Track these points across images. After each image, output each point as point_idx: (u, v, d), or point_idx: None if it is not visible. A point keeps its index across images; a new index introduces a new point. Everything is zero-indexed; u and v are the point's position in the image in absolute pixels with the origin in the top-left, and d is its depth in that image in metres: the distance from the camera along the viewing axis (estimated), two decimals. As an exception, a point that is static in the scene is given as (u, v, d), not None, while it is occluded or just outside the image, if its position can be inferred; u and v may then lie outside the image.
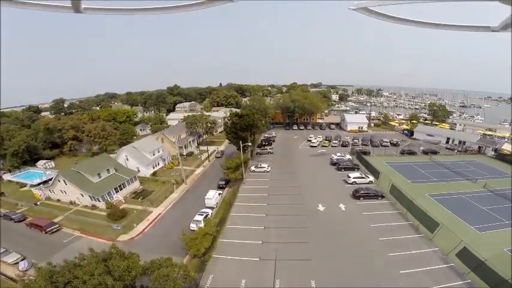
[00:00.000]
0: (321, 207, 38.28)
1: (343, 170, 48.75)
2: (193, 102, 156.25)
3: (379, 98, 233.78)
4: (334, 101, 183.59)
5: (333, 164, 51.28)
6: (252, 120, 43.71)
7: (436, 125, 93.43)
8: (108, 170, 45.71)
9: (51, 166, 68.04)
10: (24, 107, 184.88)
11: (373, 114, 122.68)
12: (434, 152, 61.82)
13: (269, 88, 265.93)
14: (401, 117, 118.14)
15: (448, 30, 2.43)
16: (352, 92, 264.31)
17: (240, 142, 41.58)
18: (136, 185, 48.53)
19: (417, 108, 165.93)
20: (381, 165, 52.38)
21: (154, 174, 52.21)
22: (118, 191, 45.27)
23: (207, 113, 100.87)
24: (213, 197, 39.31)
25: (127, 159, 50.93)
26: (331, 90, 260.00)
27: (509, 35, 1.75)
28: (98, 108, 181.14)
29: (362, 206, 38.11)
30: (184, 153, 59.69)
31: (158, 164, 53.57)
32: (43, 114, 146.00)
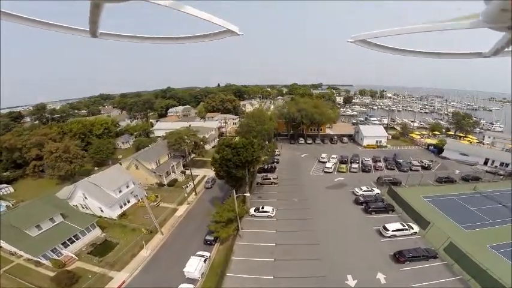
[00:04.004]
0: (351, 281, 26.85)
1: (373, 213, 36.67)
2: (187, 106, 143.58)
3: (383, 99, 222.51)
4: (339, 104, 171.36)
5: (358, 202, 39.05)
6: (252, 155, 31.05)
7: (460, 136, 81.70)
8: (52, 219, 33.44)
9: (8, 192, 55.78)
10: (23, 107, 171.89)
11: (385, 121, 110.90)
12: (476, 178, 49.94)
13: (269, 89, 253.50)
14: (416, 124, 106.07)
15: (442, 58, 2.37)
16: (355, 93, 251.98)
17: (234, 191, 28.83)
18: (95, 234, 36.49)
19: (427, 113, 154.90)
20: (419, 202, 40.84)
21: (122, 215, 39.79)
22: (69, 245, 33.54)
23: (199, 122, 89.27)
24: (195, 268, 27.31)
25: (85, 198, 38.46)
26: (334, 91, 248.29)
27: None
28: (85, 111, 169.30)
29: (408, 274, 27.14)
30: (165, 182, 47.10)
31: (128, 202, 41.12)
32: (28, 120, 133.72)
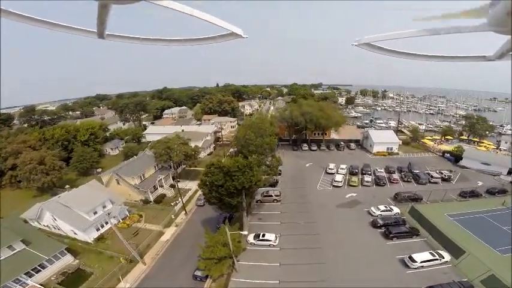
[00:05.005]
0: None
1: (394, 238, 31.05)
2: (183, 107, 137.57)
3: (386, 100, 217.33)
4: (341, 105, 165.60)
5: (376, 225, 33.27)
6: (250, 180, 25.06)
7: (475, 141, 76.02)
8: (11, 246, 28.09)
9: (-20, 205, 49.88)
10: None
11: (392, 124, 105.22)
12: (503, 191, 44.43)
13: (268, 89, 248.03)
14: (424, 127, 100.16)
15: (447, 61, 2.43)
16: (356, 93, 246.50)
17: (227, 228, 22.59)
18: (66, 261, 31.25)
19: (432, 114, 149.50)
20: (444, 222, 35.56)
21: (100, 238, 34.02)
22: (35, 274, 29.17)
23: (194, 126, 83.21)
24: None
25: (55, 220, 32.72)
26: (335, 92, 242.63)
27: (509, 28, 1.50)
28: (78, 113, 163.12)
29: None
30: (151, 199, 41.24)
31: (106, 223, 35.31)
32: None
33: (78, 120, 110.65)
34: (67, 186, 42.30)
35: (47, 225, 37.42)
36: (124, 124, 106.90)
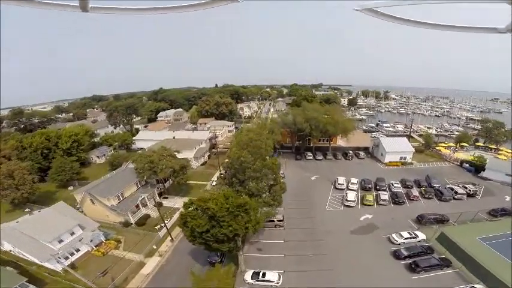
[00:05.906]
0: None
1: (421, 272, 25.49)
2: (179, 109, 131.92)
3: (388, 101, 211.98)
4: (343, 107, 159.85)
5: (399, 257, 27.55)
6: (245, 226, 19.03)
7: (491, 149, 70.25)
8: None
9: None
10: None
11: (400, 128, 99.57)
12: (536, 209, 38.69)
13: (268, 90, 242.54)
14: (432, 131, 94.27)
15: (454, 31, 2.28)
16: (357, 94, 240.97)
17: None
18: None
19: (438, 116, 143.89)
20: (478, 248, 30.18)
21: (71, 267, 28.25)
22: None
23: (188, 132, 77.36)
24: None
25: (14, 247, 27.04)
26: (337, 92, 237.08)
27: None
28: (71, 115, 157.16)
29: None
30: (133, 221, 35.38)
31: (78, 251, 29.54)
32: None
33: (69, 124, 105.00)
34: (27, 209, 36.53)
35: (10, 250, 31.86)
36: (115, 128, 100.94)
